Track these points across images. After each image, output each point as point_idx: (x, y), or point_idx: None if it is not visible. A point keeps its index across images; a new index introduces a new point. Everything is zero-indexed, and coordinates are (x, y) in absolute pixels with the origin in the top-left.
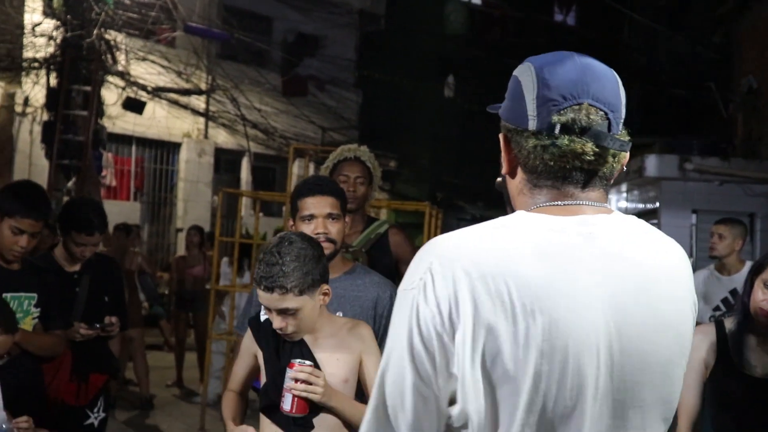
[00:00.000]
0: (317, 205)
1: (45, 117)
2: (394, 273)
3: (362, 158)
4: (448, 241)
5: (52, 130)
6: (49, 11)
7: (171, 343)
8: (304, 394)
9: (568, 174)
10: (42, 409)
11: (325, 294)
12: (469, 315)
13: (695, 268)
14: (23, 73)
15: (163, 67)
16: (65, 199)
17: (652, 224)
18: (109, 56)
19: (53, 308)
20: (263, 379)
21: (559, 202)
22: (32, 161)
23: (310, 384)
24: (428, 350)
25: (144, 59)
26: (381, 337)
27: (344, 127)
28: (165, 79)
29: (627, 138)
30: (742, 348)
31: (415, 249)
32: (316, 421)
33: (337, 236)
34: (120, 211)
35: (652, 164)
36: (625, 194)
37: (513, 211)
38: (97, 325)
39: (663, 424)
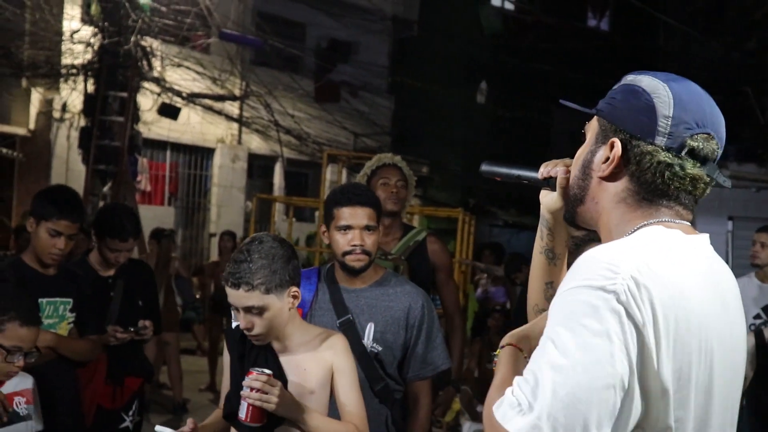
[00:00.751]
0: (355, 216)
1: (82, 123)
2: (431, 281)
3: (399, 165)
4: (636, 259)
5: (88, 135)
6: (87, 18)
7: (204, 348)
8: (258, 403)
9: (678, 195)
10: (78, 413)
11: (294, 297)
12: (666, 336)
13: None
14: (61, 79)
15: (197, 73)
16: (101, 204)
17: None
18: (145, 63)
19: (88, 313)
20: None
21: (671, 220)
22: (69, 166)
23: (266, 393)
24: (629, 354)
25: (179, 65)
26: (411, 346)
27: (377, 133)
28: (199, 85)
29: (726, 176)
30: None
31: (451, 257)
32: (279, 431)
33: (372, 248)
34: (154, 216)
35: None
36: None
37: (577, 213)
38: (131, 329)
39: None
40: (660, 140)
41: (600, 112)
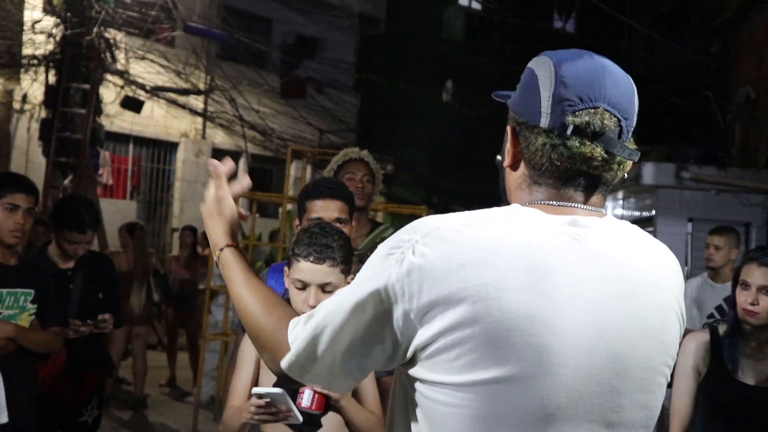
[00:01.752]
0: (326, 208)
1: (43, 114)
2: None
3: (366, 159)
4: (438, 223)
5: (49, 127)
6: (49, 8)
7: (165, 343)
8: (326, 392)
9: (571, 176)
10: (35, 406)
11: (348, 283)
12: (441, 299)
13: (690, 276)
14: (22, 69)
15: (162, 66)
16: (60, 197)
17: (648, 232)
18: (108, 55)
19: (50, 305)
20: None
21: (554, 202)
22: (29, 158)
23: None
24: (384, 305)
25: (143, 58)
26: None
27: (342, 130)
28: (164, 79)
29: (635, 147)
30: (736, 354)
31: None
32: (323, 419)
33: None
34: (116, 210)
35: (648, 172)
36: (621, 201)
37: (507, 203)
38: (90, 322)
39: (643, 430)
40: (543, 121)
41: (504, 98)
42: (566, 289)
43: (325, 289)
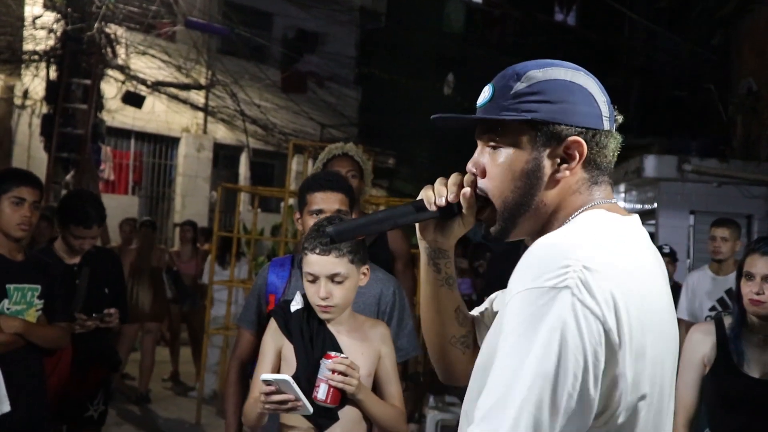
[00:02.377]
0: (326, 200)
1: (44, 110)
2: (391, 270)
3: (350, 153)
4: (592, 252)
5: (51, 123)
6: (49, 4)
7: (168, 338)
8: (340, 386)
9: (609, 168)
10: (43, 401)
11: (364, 274)
12: (627, 335)
13: (692, 268)
14: (23, 65)
15: (163, 61)
16: (63, 192)
17: (650, 225)
18: (109, 50)
19: (57, 300)
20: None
21: (612, 200)
22: (31, 154)
23: (346, 376)
24: (588, 353)
25: (144, 53)
26: None
27: (343, 124)
28: (165, 74)
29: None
30: (742, 347)
31: (411, 246)
32: (340, 412)
33: None
34: (118, 205)
35: (650, 165)
36: (623, 194)
37: (511, 227)
38: (95, 316)
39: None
40: (607, 124)
41: (536, 114)
42: (667, 298)
43: (335, 279)
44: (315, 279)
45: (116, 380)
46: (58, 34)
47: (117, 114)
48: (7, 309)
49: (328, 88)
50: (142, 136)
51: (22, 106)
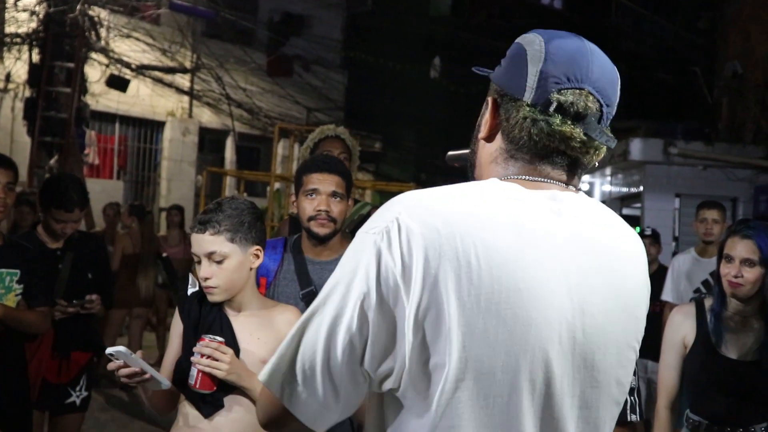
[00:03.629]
0: (323, 181)
1: (27, 93)
2: None
3: (342, 136)
4: (421, 194)
5: (34, 106)
6: None
7: (154, 323)
8: (207, 370)
9: (549, 154)
10: (24, 387)
11: (255, 255)
12: (432, 271)
13: (678, 251)
14: (5, 48)
15: (147, 44)
16: (47, 176)
17: (636, 208)
18: (92, 33)
19: (37, 285)
20: None
21: (530, 177)
22: (14, 138)
23: (216, 360)
24: (382, 299)
25: (128, 36)
26: None
27: (329, 108)
28: (149, 57)
29: (612, 135)
30: (720, 328)
31: None
32: (227, 400)
33: (338, 216)
34: (103, 190)
35: (636, 148)
36: (609, 178)
37: (474, 178)
38: (75, 302)
39: (615, 406)
40: (528, 95)
41: (490, 73)
42: (550, 263)
43: (213, 259)
44: (199, 260)
45: (103, 365)
46: (41, 16)
47: (101, 98)
48: None
49: (315, 72)
50: (127, 120)
51: (5, 90)
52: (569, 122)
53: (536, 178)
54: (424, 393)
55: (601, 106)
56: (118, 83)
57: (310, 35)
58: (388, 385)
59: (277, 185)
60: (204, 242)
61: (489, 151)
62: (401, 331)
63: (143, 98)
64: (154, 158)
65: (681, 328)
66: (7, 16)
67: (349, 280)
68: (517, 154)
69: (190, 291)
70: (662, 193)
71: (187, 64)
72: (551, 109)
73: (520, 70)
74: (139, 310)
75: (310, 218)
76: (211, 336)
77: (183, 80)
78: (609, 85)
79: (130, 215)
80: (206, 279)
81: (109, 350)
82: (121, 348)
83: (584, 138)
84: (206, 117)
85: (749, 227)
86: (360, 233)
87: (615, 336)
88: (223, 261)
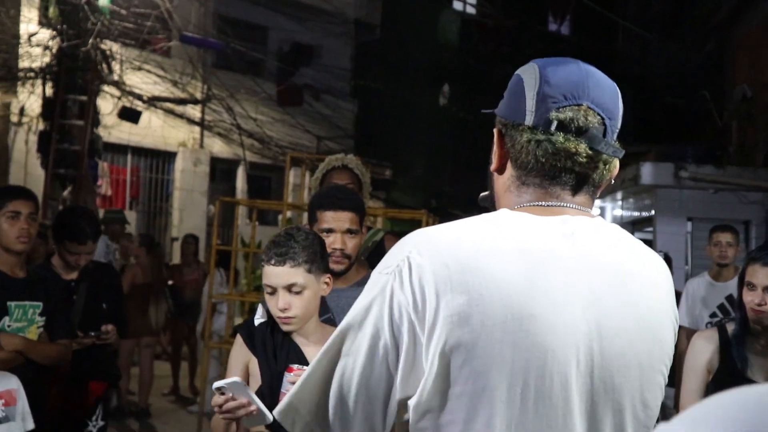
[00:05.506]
0: (337, 219)
1: (41, 126)
2: None
3: (350, 165)
4: (429, 232)
5: (47, 139)
6: (45, 21)
7: (169, 352)
8: None
9: (558, 174)
10: (43, 418)
11: (326, 284)
12: (443, 306)
13: (690, 275)
14: (19, 82)
15: (158, 76)
16: (60, 209)
17: (648, 232)
18: (104, 66)
19: (58, 317)
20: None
21: (543, 203)
22: (28, 171)
23: None
24: (395, 338)
25: (140, 69)
26: None
27: (340, 137)
28: (160, 89)
29: (619, 146)
30: (745, 353)
31: None
32: None
33: (352, 251)
34: None
35: (647, 172)
36: (620, 202)
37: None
38: (92, 333)
39: (643, 429)
40: (528, 119)
41: (496, 109)
42: (564, 288)
43: (292, 290)
44: (273, 291)
45: (121, 396)
46: (54, 50)
47: (113, 129)
48: (8, 326)
49: (324, 101)
50: (139, 151)
51: (19, 123)
52: (572, 138)
53: (549, 203)
54: (443, 422)
55: (603, 119)
56: (130, 115)
57: (319, 65)
58: (406, 417)
59: (289, 214)
60: (284, 274)
61: (502, 181)
62: (419, 365)
63: (155, 129)
64: (166, 188)
65: (704, 354)
66: (21, 51)
67: (362, 320)
68: (528, 179)
69: (257, 321)
70: (674, 217)
71: (198, 95)
72: (552, 128)
73: (519, 98)
74: (147, 340)
75: None
76: (299, 365)
77: (194, 111)
78: (609, 99)
79: (140, 246)
80: (284, 309)
81: (219, 383)
82: (236, 379)
83: (590, 152)
84: (217, 147)
85: None
86: (374, 273)
87: (637, 359)
88: (301, 292)
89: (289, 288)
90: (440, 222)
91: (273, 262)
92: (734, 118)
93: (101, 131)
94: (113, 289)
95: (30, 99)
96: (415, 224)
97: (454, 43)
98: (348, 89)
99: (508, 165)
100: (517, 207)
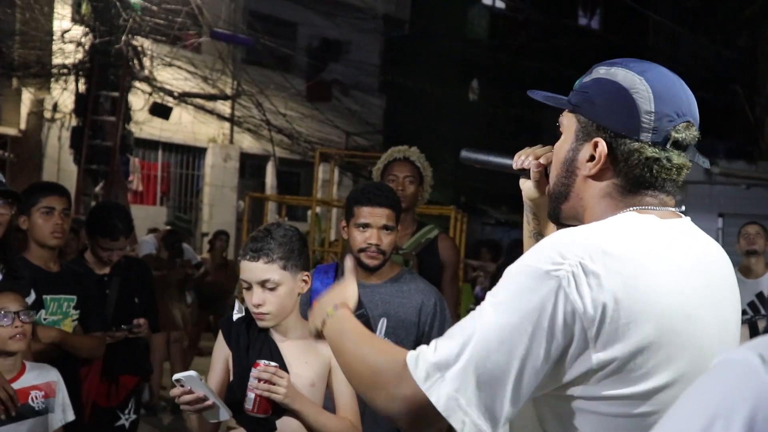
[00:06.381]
0: (374, 215)
1: (73, 123)
2: (440, 278)
3: (411, 158)
4: (592, 237)
5: (80, 135)
6: (77, 18)
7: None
8: (266, 394)
9: (663, 184)
10: (78, 411)
11: (304, 281)
12: (619, 314)
13: None
14: (52, 79)
15: (189, 72)
16: (93, 203)
17: None
18: (136, 62)
19: (92, 310)
20: None
21: (659, 208)
22: (61, 166)
23: (273, 384)
24: (568, 340)
25: (170, 65)
26: (422, 343)
27: (368, 132)
28: (191, 85)
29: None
30: None
31: (459, 257)
32: (278, 423)
33: (388, 248)
34: (146, 216)
35: None
36: None
37: (562, 210)
38: (124, 327)
39: None
40: (645, 136)
41: (578, 108)
42: (701, 287)
43: (266, 286)
44: (249, 286)
45: (153, 390)
46: (87, 47)
47: (144, 125)
48: (44, 319)
49: (353, 96)
50: (170, 147)
51: (52, 120)
52: (683, 154)
53: (658, 208)
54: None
55: (697, 132)
56: (160, 111)
57: (348, 60)
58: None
59: (318, 209)
60: (258, 270)
61: (599, 187)
62: (576, 367)
63: (185, 125)
64: (196, 184)
65: None
66: (54, 47)
67: (531, 318)
68: (634, 188)
69: (235, 317)
70: (705, 213)
71: (228, 91)
72: (668, 145)
73: (630, 111)
74: (175, 334)
75: (361, 250)
76: (266, 361)
77: (224, 107)
78: (695, 108)
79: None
80: (258, 305)
81: (177, 375)
82: (192, 372)
83: (690, 165)
84: (247, 143)
85: None
86: (531, 271)
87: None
88: (275, 288)
89: (263, 284)
90: (468, 218)
91: (248, 257)
92: (766, 113)
93: (132, 127)
94: (145, 284)
95: (63, 95)
96: (444, 220)
97: (483, 37)
98: (377, 85)
99: (610, 173)
100: (632, 210)
